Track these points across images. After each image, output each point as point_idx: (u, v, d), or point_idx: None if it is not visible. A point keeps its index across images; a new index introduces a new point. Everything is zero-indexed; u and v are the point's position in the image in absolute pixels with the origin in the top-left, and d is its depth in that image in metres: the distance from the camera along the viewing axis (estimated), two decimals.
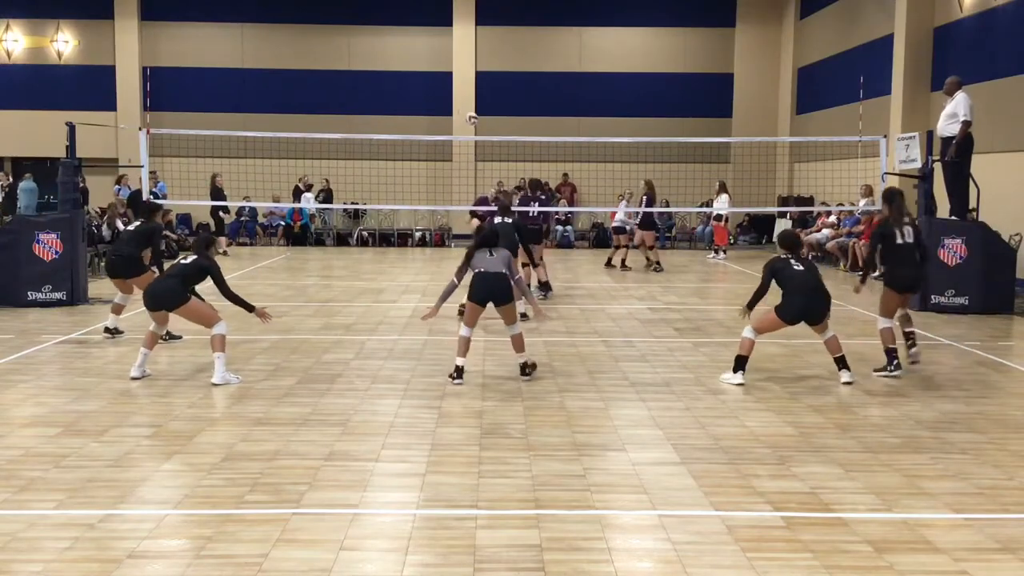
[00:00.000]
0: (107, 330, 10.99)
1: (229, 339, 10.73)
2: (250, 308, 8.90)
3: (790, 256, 8.81)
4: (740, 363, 8.74)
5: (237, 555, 4.73)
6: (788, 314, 8.66)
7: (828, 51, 24.98)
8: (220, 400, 7.96)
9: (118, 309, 11.07)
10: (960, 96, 13.90)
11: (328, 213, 26.59)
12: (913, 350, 9.63)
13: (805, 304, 8.65)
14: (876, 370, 9.21)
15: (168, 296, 8.72)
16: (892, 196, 9.62)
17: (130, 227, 11.66)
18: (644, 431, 7.17)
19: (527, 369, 8.92)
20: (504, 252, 9.04)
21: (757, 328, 8.82)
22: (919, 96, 19.93)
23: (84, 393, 8.15)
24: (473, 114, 19.26)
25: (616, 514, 5.42)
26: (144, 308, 8.99)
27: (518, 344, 8.96)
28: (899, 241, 9.29)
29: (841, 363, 8.80)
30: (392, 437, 6.90)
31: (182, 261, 8.92)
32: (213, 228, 23.14)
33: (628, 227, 19.79)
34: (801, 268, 8.71)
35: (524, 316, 11.99)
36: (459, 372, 8.69)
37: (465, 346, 8.78)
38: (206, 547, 4.84)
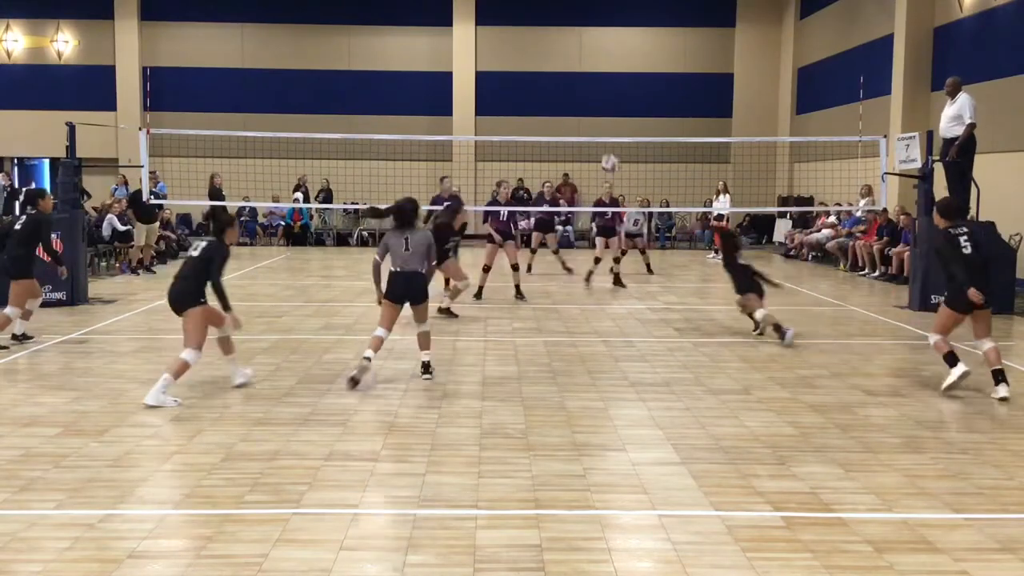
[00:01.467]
0: (15, 336, 10.30)
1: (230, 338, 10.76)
2: (227, 307, 8.14)
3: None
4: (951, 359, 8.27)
5: (237, 555, 4.73)
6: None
7: (828, 51, 24.98)
8: (220, 400, 7.95)
9: (27, 315, 10.34)
10: (963, 97, 13.86)
11: (328, 213, 26.60)
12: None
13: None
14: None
15: (183, 299, 8.02)
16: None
17: (16, 224, 10.55)
18: (644, 431, 7.17)
19: (428, 368, 8.85)
20: (422, 241, 8.71)
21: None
22: (919, 96, 19.93)
23: (84, 393, 8.15)
24: (609, 164, 17.42)
25: (616, 514, 5.42)
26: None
27: (424, 342, 8.91)
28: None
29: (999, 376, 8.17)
30: (392, 437, 6.90)
31: (192, 253, 8.27)
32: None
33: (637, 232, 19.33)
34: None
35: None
36: (368, 363, 8.43)
37: (378, 345, 8.63)
38: (206, 547, 4.84)
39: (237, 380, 8.40)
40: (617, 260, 16.95)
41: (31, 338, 10.51)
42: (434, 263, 9.41)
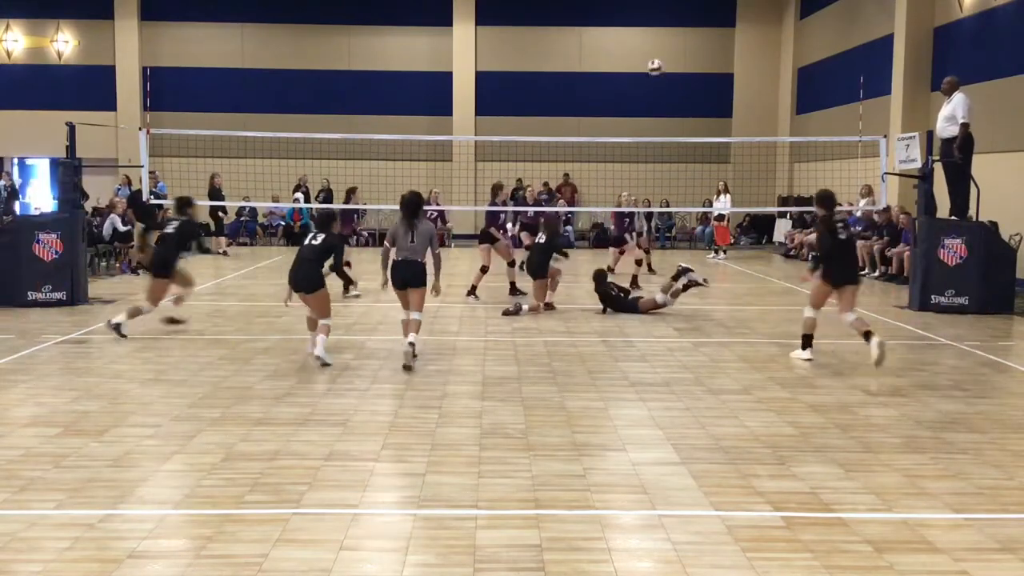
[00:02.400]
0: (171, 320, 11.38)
1: (231, 338, 10.77)
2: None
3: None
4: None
5: (237, 555, 4.73)
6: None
7: (828, 51, 24.98)
8: (220, 400, 7.95)
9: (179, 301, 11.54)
10: (958, 97, 13.87)
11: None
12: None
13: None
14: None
15: (309, 281, 9.47)
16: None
17: (169, 228, 11.48)
18: (644, 431, 7.17)
19: (414, 352, 9.34)
20: (425, 232, 9.64)
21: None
22: (919, 96, 19.93)
23: (84, 393, 8.14)
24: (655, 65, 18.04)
25: (616, 514, 5.42)
26: None
27: (415, 327, 9.51)
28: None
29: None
30: (392, 437, 6.90)
31: (312, 242, 9.56)
32: (212, 228, 23.12)
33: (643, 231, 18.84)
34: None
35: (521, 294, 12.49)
36: (412, 349, 9.31)
37: (405, 327, 9.56)
38: (206, 547, 4.84)
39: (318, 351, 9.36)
40: (639, 263, 17.24)
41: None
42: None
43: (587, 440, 6.86)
